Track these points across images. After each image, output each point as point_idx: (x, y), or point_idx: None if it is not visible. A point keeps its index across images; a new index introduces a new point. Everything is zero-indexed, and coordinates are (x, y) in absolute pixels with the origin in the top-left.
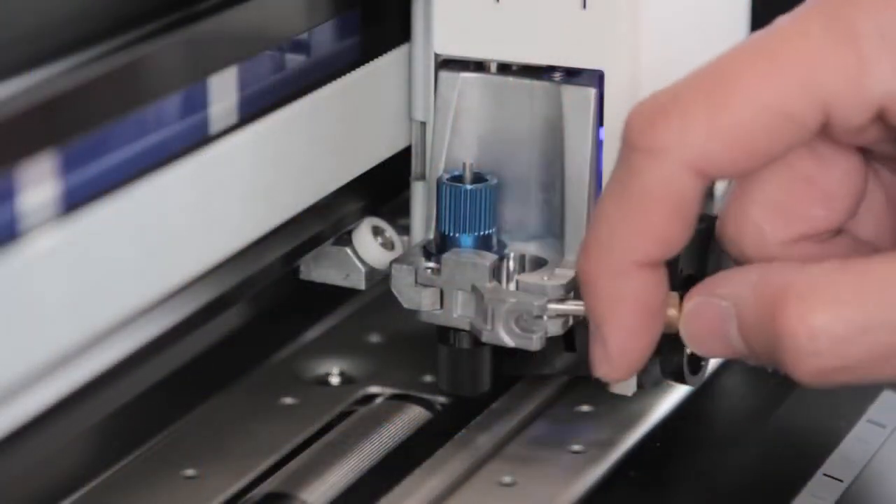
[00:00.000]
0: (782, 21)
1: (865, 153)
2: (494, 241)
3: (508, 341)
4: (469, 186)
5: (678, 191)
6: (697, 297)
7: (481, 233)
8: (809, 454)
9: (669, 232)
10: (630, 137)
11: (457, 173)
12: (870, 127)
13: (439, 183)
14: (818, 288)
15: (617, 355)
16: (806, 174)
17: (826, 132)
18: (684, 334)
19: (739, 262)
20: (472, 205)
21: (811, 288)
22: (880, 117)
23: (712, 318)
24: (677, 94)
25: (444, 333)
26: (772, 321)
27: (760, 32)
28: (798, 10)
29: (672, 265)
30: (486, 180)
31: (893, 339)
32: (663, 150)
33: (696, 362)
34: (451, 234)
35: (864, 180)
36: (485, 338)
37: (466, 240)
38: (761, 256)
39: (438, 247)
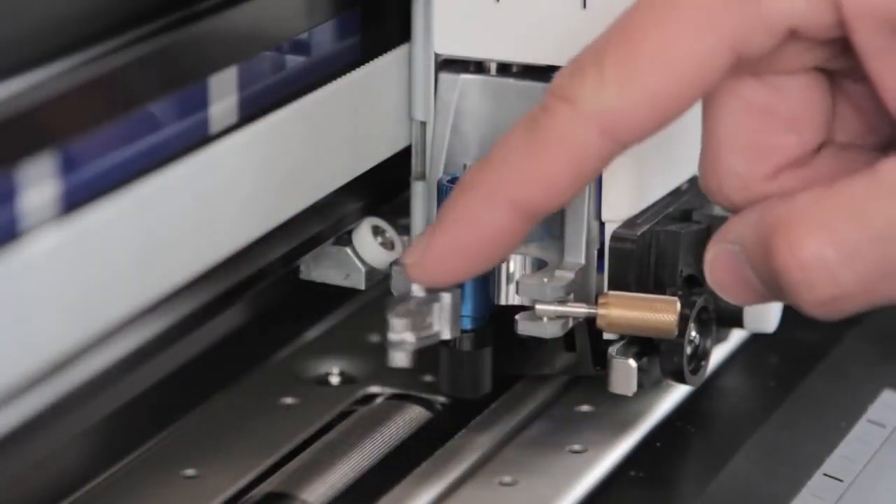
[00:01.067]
0: None
1: (819, 69)
2: None
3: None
4: None
5: (578, 144)
6: (713, 246)
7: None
8: (809, 454)
9: (559, 184)
10: (552, 84)
11: (457, 175)
12: (799, 49)
13: (440, 184)
14: (803, 218)
15: (432, 260)
16: (764, 106)
17: (743, 65)
18: (713, 286)
19: (729, 209)
20: None
21: (797, 219)
22: (794, 37)
23: (729, 263)
24: (595, 49)
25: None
26: (769, 258)
27: None
28: None
29: (671, 266)
30: None
31: (884, 255)
32: (574, 101)
33: (697, 362)
34: None
35: (826, 96)
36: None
37: None
38: (748, 199)
39: None
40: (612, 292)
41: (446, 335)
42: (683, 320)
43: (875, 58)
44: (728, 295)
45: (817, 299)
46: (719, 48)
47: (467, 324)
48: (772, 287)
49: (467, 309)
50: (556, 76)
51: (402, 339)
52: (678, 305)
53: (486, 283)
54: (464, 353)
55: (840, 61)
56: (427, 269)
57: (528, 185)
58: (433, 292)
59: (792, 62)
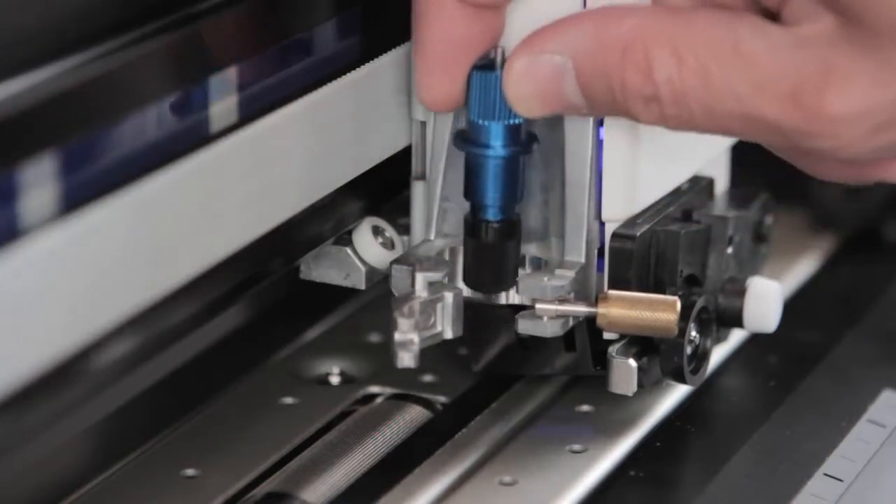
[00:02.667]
0: None
1: None
2: (523, 131)
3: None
4: (500, 73)
5: None
6: (524, 56)
7: (511, 121)
8: (809, 454)
9: None
10: None
11: (487, 61)
12: None
13: (470, 73)
14: (667, 41)
15: (426, 80)
16: None
17: None
18: (512, 98)
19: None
20: (502, 92)
21: (661, 39)
22: None
23: (545, 75)
24: None
25: (472, 226)
26: (618, 71)
27: None
28: None
29: (671, 266)
30: None
31: (723, 108)
32: None
33: (697, 362)
34: (481, 122)
35: None
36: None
37: (496, 128)
38: None
39: (467, 137)
40: (612, 291)
41: (449, 335)
42: (683, 320)
43: None
44: (528, 107)
45: (656, 118)
46: None
47: (492, 214)
48: (600, 98)
49: (492, 198)
50: None
51: (408, 339)
52: (678, 305)
53: (514, 168)
54: (487, 245)
55: None
56: (433, 90)
57: None
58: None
59: None
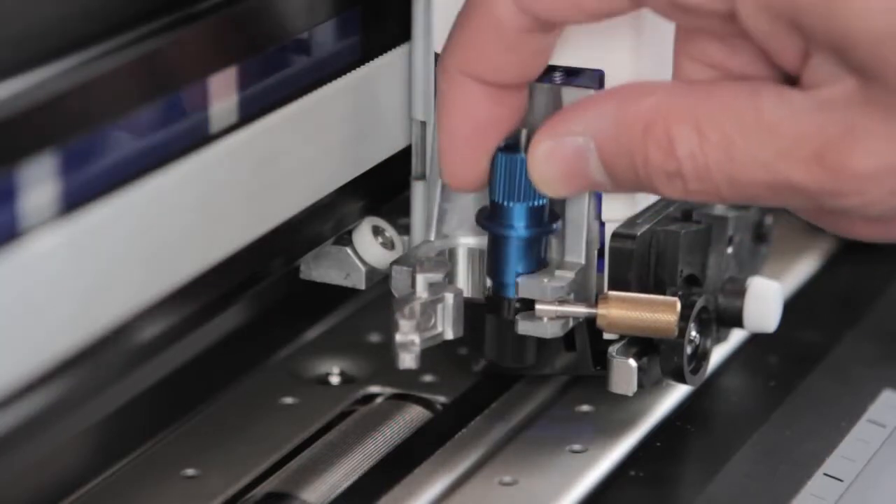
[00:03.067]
0: None
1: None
2: (546, 212)
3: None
4: (523, 156)
5: (496, 16)
6: (547, 139)
7: (534, 203)
8: (809, 454)
9: (487, 54)
10: None
11: (511, 142)
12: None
13: (495, 155)
14: (687, 116)
15: (451, 165)
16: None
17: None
18: (537, 180)
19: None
20: (525, 174)
21: (681, 115)
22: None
23: (568, 156)
24: None
25: (494, 303)
26: (641, 148)
27: None
28: None
29: (671, 266)
30: None
31: (747, 177)
32: None
33: (697, 362)
34: (504, 203)
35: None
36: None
37: (519, 209)
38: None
39: (491, 215)
40: (612, 292)
41: (449, 335)
42: (683, 320)
43: (769, 40)
44: (554, 189)
45: (681, 193)
46: None
47: (514, 292)
48: (623, 176)
49: (514, 277)
50: None
51: (409, 340)
52: (678, 306)
53: (537, 247)
54: (509, 322)
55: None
56: (458, 172)
57: (466, 56)
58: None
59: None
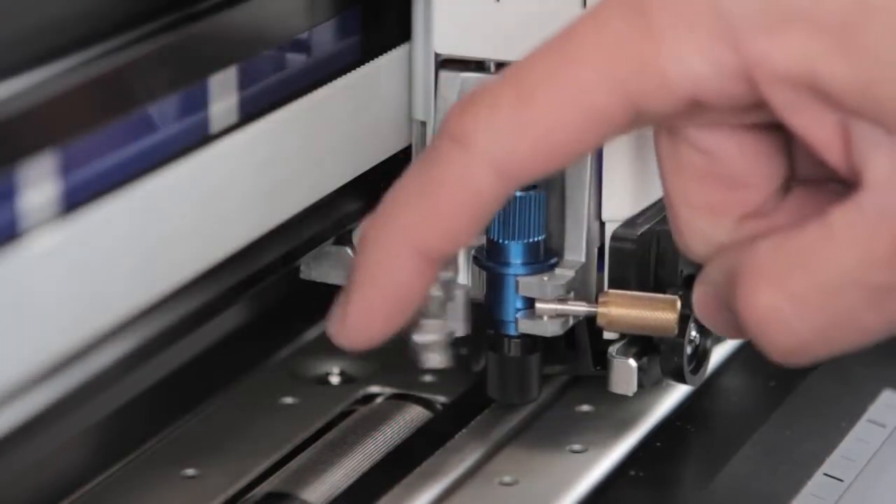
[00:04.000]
0: (583, 14)
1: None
2: (542, 248)
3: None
4: (519, 194)
5: (474, 186)
6: (697, 286)
7: (530, 240)
8: (809, 454)
9: (456, 226)
10: (444, 122)
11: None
12: (704, 113)
13: None
14: (758, 269)
15: (352, 326)
16: (704, 169)
17: (643, 122)
18: (703, 322)
19: (701, 263)
20: (521, 212)
21: (752, 270)
22: (697, 104)
23: (710, 303)
24: (490, 90)
25: (496, 341)
26: (734, 307)
27: (561, 29)
28: (598, 2)
29: (671, 266)
30: (536, 188)
31: (836, 305)
32: (469, 143)
33: (697, 362)
34: (501, 241)
35: (768, 144)
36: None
37: (516, 247)
38: (717, 251)
39: (488, 254)
40: (612, 290)
41: (461, 332)
42: (683, 319)
43: (799, 116)
44: (716, 330)
45: (777, 349)
46: (616, 103)
47: (514, 329)
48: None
49: (514, 315)
50: (448, 114)
51: (434, 339)
52: (678, 304)
53: None
54: (511, 359)
55: (765, 115)
56: (351, 335)
57: (427, 230)
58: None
59: (715, 123)
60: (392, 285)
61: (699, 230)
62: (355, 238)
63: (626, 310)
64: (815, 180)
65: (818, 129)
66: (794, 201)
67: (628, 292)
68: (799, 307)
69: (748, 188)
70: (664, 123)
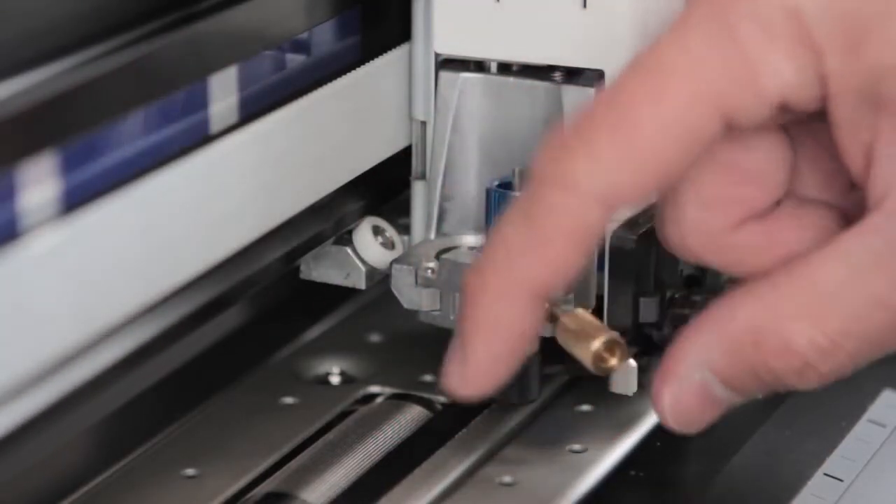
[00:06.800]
0: (663, 37)
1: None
2: None
3: None
4: (518, 193)
5: (585, 224)
6: (669, 386)
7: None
8: (809, 454)
9: (571, 262)
10: (538, 172)
11: (508, 180)
12: (777, 115)
13: (489, 191)
14: (789, 314)
15: (473, 376)
16: (731, 162)
17: (733, 130)
18: (674, 425)
19: (690, 261)
20: None
21: (784, 317)
22: (783, 109)
23: (693, 393)
24: (580, 127)
25: None
26: (759, 361)
27: (644, 52)
28: (677, 23)
29: (671, 266)
30: None
31: (869, 328)
32: (573, 185)
33: None
34: None
35: (790, 150)
36: None
37: None
38: (710, 250)
39: None
40: (576, 309)
41: None
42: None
43: (847, 130)
44: (693, 424)
45: (812, 383)
46: (712, 118)
47: None
48: (753, 388)
49: None
50: (542, 160)
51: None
52: (602, 343)
53: None
54: None
55: (806, 122)
56: (474, 384)
57: (539, 272)
58: None
59: (766, 123)
60: (511, 329)
61: (702, 224)
62: (355, 238)
63: (561, 335)
64: (803, 198)
65: (853, 145)
66: (786, 213)
67: (586, 316)
68: (839, 340)
69: (760, 188)
70: (749, 133)
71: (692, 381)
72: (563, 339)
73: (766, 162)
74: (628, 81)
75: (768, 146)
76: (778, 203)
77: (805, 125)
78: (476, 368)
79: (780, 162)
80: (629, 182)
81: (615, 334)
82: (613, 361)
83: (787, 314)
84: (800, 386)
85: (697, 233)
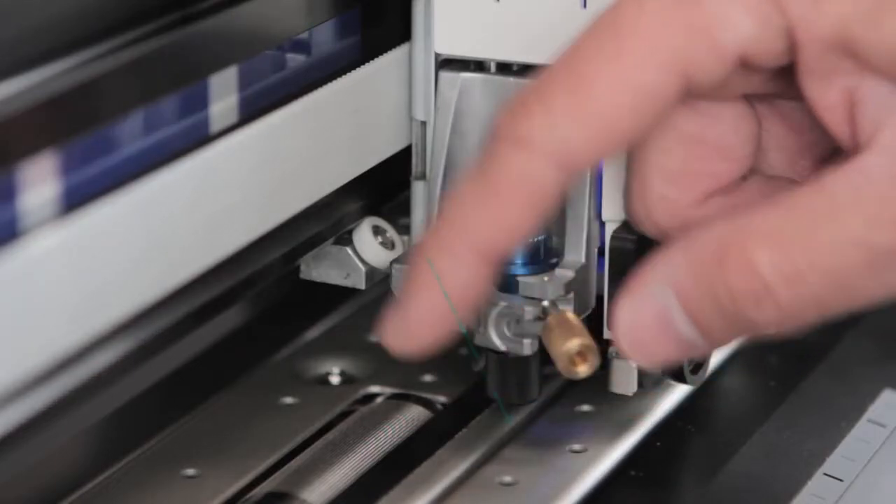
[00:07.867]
0: None
1: (750, 97)
2: (543, 248)
3: (499, 345)
4: None
5: (538, 182)
6: (628, 305)
7: (531, 240)
8: (810, 454)
9: (521, 221)
10: (496, 129)
11: None
12: (737, 76)
13: None
14: (758, 234)
15: (411, 331)
16: (696, 134)
17: (693, 92)
18: (630, 349)
19: (655, 236)
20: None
21: (752, 235)
22: (744, 65)
23: (652, 315)
24: (538, 87)
25: None
26: (720, 279)
27: (604, 11)
28: None
29: None
30: None
31: (839, 265)
32: (527, 142)
33: (697, 362)
34: None
35: (756, 123)
36: (477, 340)
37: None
38: (675, 225)
39: None
40: (564, 313)
41: None
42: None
43: (821, 77)
44: (648, 355)
45: (769, 317)
46: (669, 76)
47: None
48: (713, 323)
49: None
50: (499, 119)
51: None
52: (576, 346)
53: None
54: (511, 359)
55: (769, 86)
56: (410, 340)
57: (490, 231)
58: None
59: (728, 90)
60: (452, 286)
61: (666, 199)
62: (355, 238)
63: (546, 327)
64: (768, 175)
65: (828, 94)
66: (752, 188)
67: (572, 319)
68: (803, 269)
69: (726, 162)
70: (709, 95)
71: (654, 301)
72: (544, 337)
73: (731, 135)
74: (586, 40)
75: (733, 118)
76: (744, 178)
77: (770, 102)
78: (414, 324)
79: (746, 135)
80: (582, 140)
81: (592, 343)
82: (582, 368)
83: (756, 233)
84: (759, 321)
85: (663, 207)
